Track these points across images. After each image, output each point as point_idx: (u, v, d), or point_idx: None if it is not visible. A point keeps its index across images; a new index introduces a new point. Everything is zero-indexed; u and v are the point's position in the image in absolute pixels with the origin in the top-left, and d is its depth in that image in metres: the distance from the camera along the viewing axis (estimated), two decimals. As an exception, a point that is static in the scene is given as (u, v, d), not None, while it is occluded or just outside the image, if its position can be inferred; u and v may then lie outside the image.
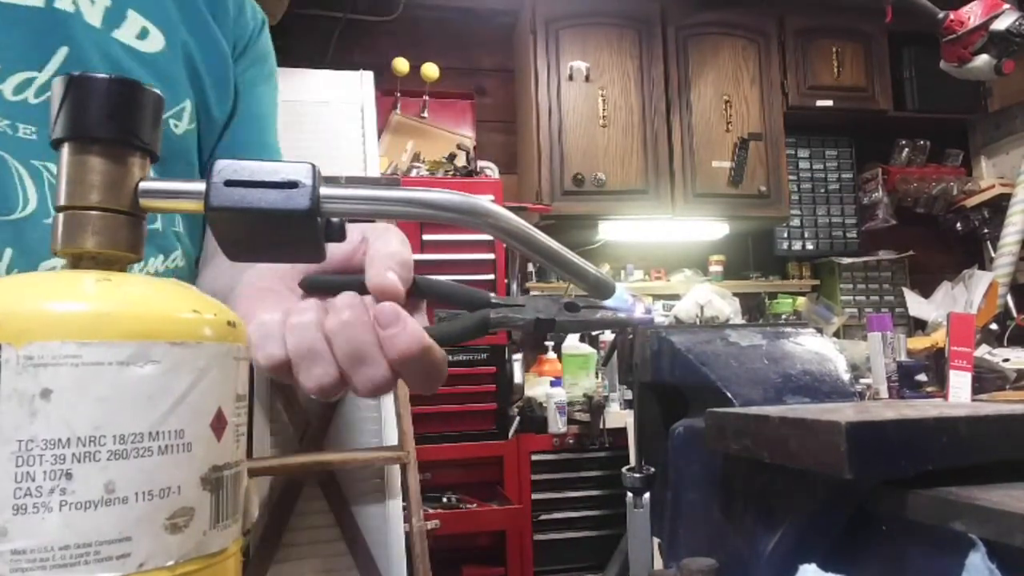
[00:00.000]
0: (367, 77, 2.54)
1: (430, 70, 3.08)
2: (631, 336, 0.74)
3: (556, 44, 3.13)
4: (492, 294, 0.47)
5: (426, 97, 3.20)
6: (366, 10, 3.27)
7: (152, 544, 0.27)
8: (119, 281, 0.30)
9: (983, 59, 1.63)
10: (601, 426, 2.60)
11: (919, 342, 2.53)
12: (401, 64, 3.05)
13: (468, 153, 3.02)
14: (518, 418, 2.65)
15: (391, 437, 1.99)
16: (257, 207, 0.33)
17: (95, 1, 0.64)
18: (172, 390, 0.28)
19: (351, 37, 3.24)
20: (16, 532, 0.25)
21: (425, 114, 3.21)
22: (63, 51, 0.62)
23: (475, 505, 2.47)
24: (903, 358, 2.28)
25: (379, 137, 2.88)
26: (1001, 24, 1.59)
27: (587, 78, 3.11)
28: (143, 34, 0.67)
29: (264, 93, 0.83)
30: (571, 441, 2.63)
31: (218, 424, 0.30)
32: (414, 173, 2.86)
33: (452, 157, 2.97)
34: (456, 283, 0.47)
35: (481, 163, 3.07)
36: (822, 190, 3.53)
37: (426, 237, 2.56)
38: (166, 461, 0.28)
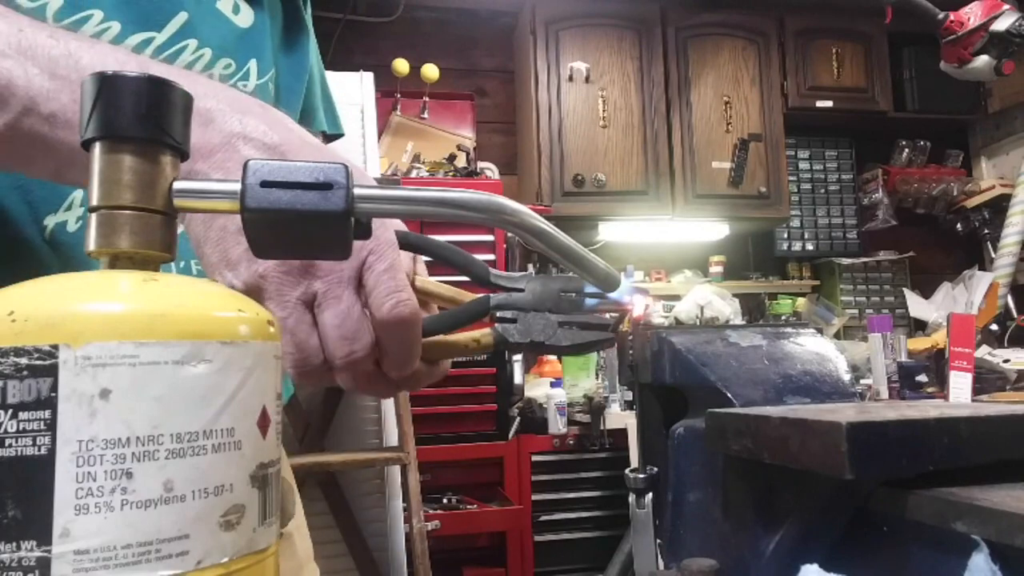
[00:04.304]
0: (367, 78, 2.54)
1: (430, 71, 3.08)
2: (631, 336, 0.75)
3: (556, 45, 3.13)
4: (492, 270, 0.49)
5: (426, 98, 3.20)
6: (366, 11, 3.27)
7: (208, 542, 0.28)
8: (166, 281, 0.31)
9: (983, 60, 1.63)
10: (601, 427, 2.60)
11: (920, 343, 2.53)
12: (401, 65, 3.05)
13: (468, 154, 3.02)
14: (518, 419, 2.65)
15: (391, 438, 1.99)
16: (293, 208, 0.33)
17: None
18: (223, 389, 0.29)
19: (351, 38, 3.24)
20: (79, 532, 0.26)
21: (425, 115, 3.21)
22: (183, 16, 0.62)
23: (475, 506, 2.47)
24: (903, 359, 2.27)
25: (379, 138, 2.88)
26: (1001, 25, 1.59)
27: (587, 79, 3.11)
28: (236, 8, 0.68)
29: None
30: (571, 442, 2.63)
31: (263, 422, 0.31)
32: (414, 174, 2.86)
33: (452, 158, 2.97)
34: (457, 248, 0.50)
35: (481, 164, 3.07)
36: (822, 191, 3.53)
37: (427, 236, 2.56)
38: (219, 459, 0.28)
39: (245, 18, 0.69)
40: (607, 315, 0.47)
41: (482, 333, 0.47)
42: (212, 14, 0.65)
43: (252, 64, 0.68)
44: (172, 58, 0.62)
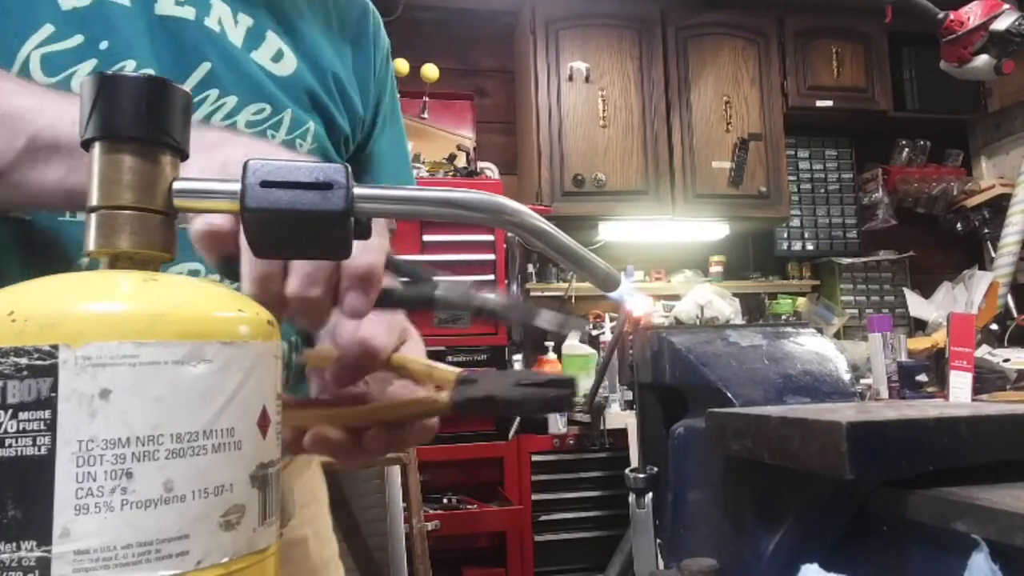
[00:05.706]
0: (367, 78, 2.53)
1: (430, 71, 3.08)
2: (631, 336, 0.75)
3: (556, 45, 3.13)
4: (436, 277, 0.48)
5: (426, 98, 3.19)
6: (366, 11, 3.27)
7: (208, 542, 0.28)
8: (165, 281, 0.31)
9: (983, 59, 1.63)
10: (601, 427, 2.60)
11: (920, 342, 2.53)
12: (401, 65, 3.04)
13: (468, 154, 3.02)
14: (518, 419, 2.65)
15: (391, 438, 1.99)
16: (293, 208, 0.33)
17: (238, 21, 0.67)
18: (223, 389, 0.29)
19: (351, 38, 3.24)
20: (79, 532, 0.26)
21: (425, 115, 3.20)
22: (205, 66, 0.64)
23: (475, 506, 2.47)
24: (903, 358, 2.27)
25: (379, 138, 2.87)
26: (1001, 24, 1.59)
27: (587, 79, 3.11)
28: (278, 56, 0.70)
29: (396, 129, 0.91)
30: (571, 442, 2.63)
31: (263, 422, 0.31)
32: (414, 174, 2.85)
33: (452, 158, 2.97)
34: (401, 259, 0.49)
35: (481, 164, 3.07)
36: (822, 190, 3.53)
37: (426, 238, 2.56)
38: (219, 459, 0.28)
39: (286, 66, 0.70)
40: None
41: (439, 393, 0.45)
42: (240, 62, 0.66)
43: (287, 114, 0.69)
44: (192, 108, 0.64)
